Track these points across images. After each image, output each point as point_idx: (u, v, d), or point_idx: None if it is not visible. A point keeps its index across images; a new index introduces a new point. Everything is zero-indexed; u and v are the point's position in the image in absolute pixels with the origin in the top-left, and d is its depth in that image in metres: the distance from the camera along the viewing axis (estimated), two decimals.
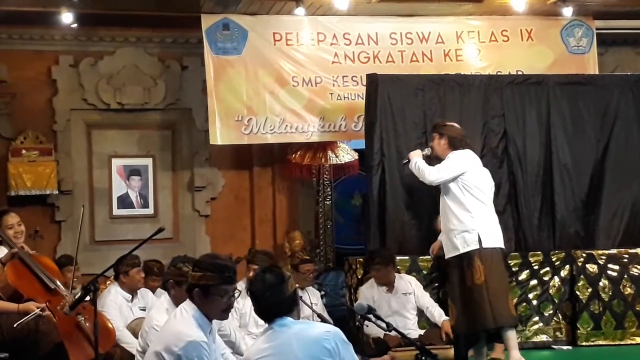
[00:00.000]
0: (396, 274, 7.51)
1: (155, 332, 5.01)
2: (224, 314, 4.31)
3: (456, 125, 7.05)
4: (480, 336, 6.86)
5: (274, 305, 3.95)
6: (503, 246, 6.89)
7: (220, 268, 4.19)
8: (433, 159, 7.04)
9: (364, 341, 7.21)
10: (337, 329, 3.91)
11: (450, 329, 7.01)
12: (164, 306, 5.44)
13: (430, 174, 6.85)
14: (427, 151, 7.09)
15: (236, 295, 4.27)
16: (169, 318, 4.45)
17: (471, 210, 6.73)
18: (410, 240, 8.12)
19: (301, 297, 6.44)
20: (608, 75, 9.66)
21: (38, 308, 5.68)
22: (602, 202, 8.47)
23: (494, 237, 6.77)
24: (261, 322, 6.82)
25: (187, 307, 4.25)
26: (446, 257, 6.94)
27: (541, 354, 7.88)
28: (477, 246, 6.66)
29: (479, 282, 6.63)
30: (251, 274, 6.94)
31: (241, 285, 7.39)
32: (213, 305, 4.20)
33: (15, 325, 5.58)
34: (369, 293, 7.40)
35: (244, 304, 6.97)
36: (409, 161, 7.09)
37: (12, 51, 9.20)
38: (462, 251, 6.72)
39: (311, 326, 4.02)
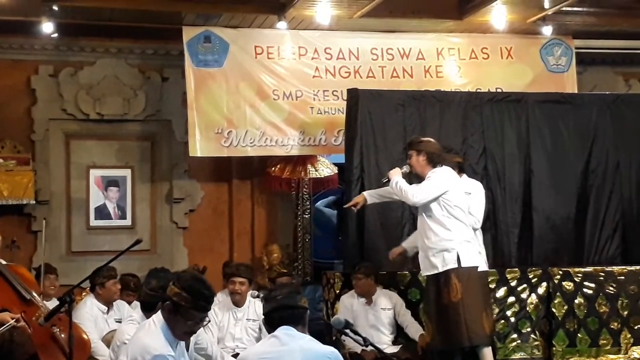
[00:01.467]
0: (378, 289, 7.51)
1: (125, 346, 4.99)
2: (184, 336, 4.32)
3: (432, 140, 7.00)
4: (456, 354, 6.86)
5: (283, 308, 4.05)
6: (481, 264, 6.86)
7: (196, 294, 4.19)
8: (412, 177, 6.97)
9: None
10: (339, 353, 4.06)
11: (425, 345, 6.99)
12: (136, 320, 5.41)
13: (414, 196, 6.71)
14: (405, 169, 6.96)
15: (205, 323, 4.33)
16: (138, 329, 4.46)
17: (451, 229, 6.68)
18: (387, 256, 8.11)
19: None
20: (587, 94, 9.72)
21: (13, 319, 5.61)
22: (579, 220, 8.54)
23: (472, 256, 6.75)
24: (238, 335, 6.91)
25: (156, 320, 4.27)
26: (422, 274, 6.93)
27: None
28: (456, 265, 6.63)
29: (455, 299, 6.60)
30: (236, 286, 6.93)
31: (219, 297, 7.39)
32: (177, 324, 4.22)
33: None
34: (349, 302, 7.40)
35: (222, 316, 6.95)
36: (388, 180, 6.94)
37: None
38: (440, 270, 6.68)
39: (316, 342, 4.10)
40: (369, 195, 7.25)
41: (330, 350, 4.03)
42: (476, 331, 6.61)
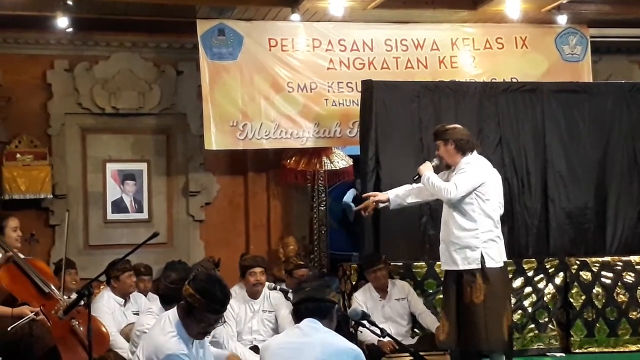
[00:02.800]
0: (390, 280, 7.52)
1: (144, 336, 5.02)
2: (198, 336, 4.34)
3: (459, 126, 6.71)
4: (475, 356, 6.69)
5: (310, 300, 4.06)
6: (505, 260, 6.61)
7: (210, 297, 4.20)
8: (442, 169, 6.70)
9: None
10: (360, 351, 4.06)
11: (438, 341, 6.80)
12: (154, 312, 5.43)
13: (449, 192, 6.36)
14: (435, 162, 6.64)
15: (219, 324, 4.36)
16: (154, 324, 4.49)
17: (479, 225, 6.39)
18: (404, 247, 8.12)
19: None
20: (602, 83, 9.69)
21: (32, 312, 5.66)
22: (596, 209, 8.51)
23: (498, 255, 6.47)
24: (255, 327, 6.93)
25: (172, 316, 4.30)
26: (442, 268, 6.74)
27: None
28: (479, 265, 6.36)
29: (478, 301, 6.35)
30: (257, 277, 6.97)
31: (235, 290, 7.41)
32: (191, 324, 4.26)
33: (9, 329, 5.57)
34: (362, 299, 7.38)
35: (239, 310, 6.97)
36: (419, 177, 6.61)
37: (7, 55, 9.17)
38: (461, 268, 6.42)
39: (339, 338, 4.08)
40: (395, 197, 6.85)
41: (352, 347, 4.01)
42: (496, 336, 6.38)
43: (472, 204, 6.40)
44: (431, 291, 7.84)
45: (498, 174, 7.02)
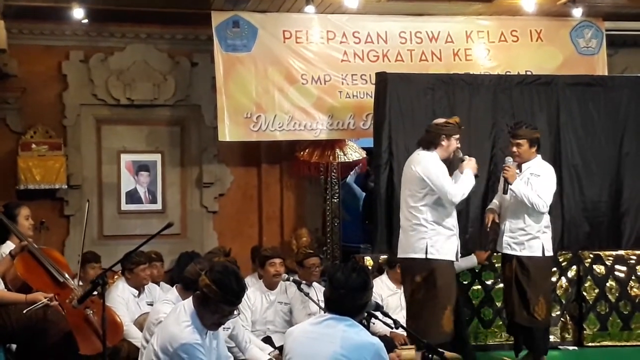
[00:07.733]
0: None
1: (159, 325, 5.04)
2: (212, 327, 4.36)
3: (439, 120, 6.88)
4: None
5: (343, 304, 3.99)
6: (452, 258, 6.63)
7: (225, 288, 4.21)
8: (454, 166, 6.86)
9: None
10: (382, 345, 3.98)
11: None
12: (171, 301, 5.45)
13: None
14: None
15: (234, 315, 4.37)
16: (169, 313, 4.52)
17: (425, 216, 6.56)
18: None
19: (308, 293, 6.49)
20: (617, 76, 9.65)
21: (46, 298, 5.71)
22: (611, 203, 8.47)
23: (449, 250, 6.56)
24: (270, 318, 6.95)
25: (187, 306, 4.32)
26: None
27: (548, 354, 7.87)
28: (424, 255, 6.48)
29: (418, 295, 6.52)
30: (277, 267, 6.99)
31: (248, 281, 7.44)
32: (205, 315, 4.28)
33: (24, 312, 5.62)
34: (377, 290, 7.37)
35: (255, 299, 6.99)
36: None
37: (22, 46, 9.18)
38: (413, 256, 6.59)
39: (361, 331, 4.02)
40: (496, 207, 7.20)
41: (372, 341, 3.95)
42: (433, 331, 6.35)
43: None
44: None
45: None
